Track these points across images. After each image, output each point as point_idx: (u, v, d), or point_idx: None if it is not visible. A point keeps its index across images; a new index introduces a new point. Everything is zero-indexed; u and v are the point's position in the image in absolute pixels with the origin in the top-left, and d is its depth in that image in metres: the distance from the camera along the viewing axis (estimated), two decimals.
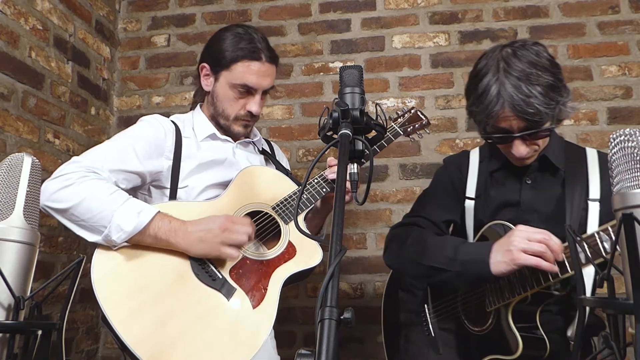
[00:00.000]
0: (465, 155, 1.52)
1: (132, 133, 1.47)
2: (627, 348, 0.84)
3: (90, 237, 1.29)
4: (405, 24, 2.42)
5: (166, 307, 1.26)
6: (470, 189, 1.44)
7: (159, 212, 1.31)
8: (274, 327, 1.36)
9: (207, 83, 1.59)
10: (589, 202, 1.30)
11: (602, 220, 1.26)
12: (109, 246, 1.30)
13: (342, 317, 0.66)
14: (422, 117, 1.74)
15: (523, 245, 1.13)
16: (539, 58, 1.23)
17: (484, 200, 1.41)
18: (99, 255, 1.29)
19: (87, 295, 2.22)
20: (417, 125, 1.72)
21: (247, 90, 1.53)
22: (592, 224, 1.28)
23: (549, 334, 1.22)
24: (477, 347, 1.29)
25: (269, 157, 1.73)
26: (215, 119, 1.60)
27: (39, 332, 1.03)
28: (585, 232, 1.25)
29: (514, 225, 1.22)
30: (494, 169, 1.43)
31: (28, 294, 1.04)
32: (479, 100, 1.26)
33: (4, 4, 1.81)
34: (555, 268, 1.12)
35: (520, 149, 1.25)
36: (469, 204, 1.44)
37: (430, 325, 1.47)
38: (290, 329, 2.22)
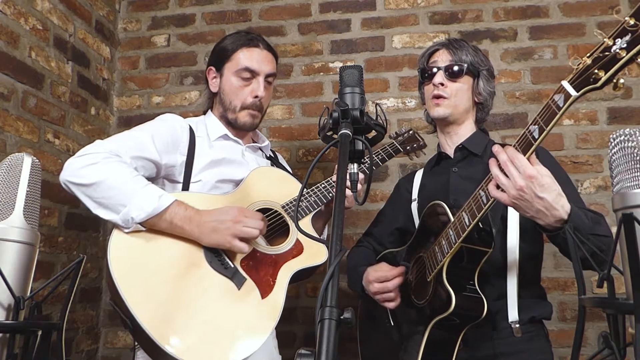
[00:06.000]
0: (413, 173, 1.76)
1: (150, 126, 1.52)
2: (627, 348, 0.84)
3: (107, 215, 1.32)
4: (405, 24, 2.42)
5: (180, 291, 1.29)
6: (414, 194, 1.67)
7: (176, 199, 1.35)
8: (275, 327, 1.38)
9: (214, 84, 1.66)
10: None
11: None
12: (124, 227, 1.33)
13: (342, 317, 0.66)
14: (419, 138, 1.91)
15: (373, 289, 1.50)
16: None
17: (423, 197, 1.62)
18: (116, 235, 1.32)
19: (87, 295, 2.22)
20: (414, 146, 1.88)
21: (251, 75, 1.60)
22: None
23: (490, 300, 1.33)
24: (425, 316, 1.39)
25: (274, 162, 1.79)
26: (224, 117, 1.65)
27: (39, 332, 1.03)
28: (506, 214, 1.42)
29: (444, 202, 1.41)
30: (430, 167, 1.67)
31: (28, 294, 1.04)
32: (424, 53, 1.62)
33: (4, 4, 1.81)
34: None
35: (438, 78, 1.52)
36: (414, 206, 1.64)
37: (390, 315, 1.58)
38: (290, 329, 2.22)
